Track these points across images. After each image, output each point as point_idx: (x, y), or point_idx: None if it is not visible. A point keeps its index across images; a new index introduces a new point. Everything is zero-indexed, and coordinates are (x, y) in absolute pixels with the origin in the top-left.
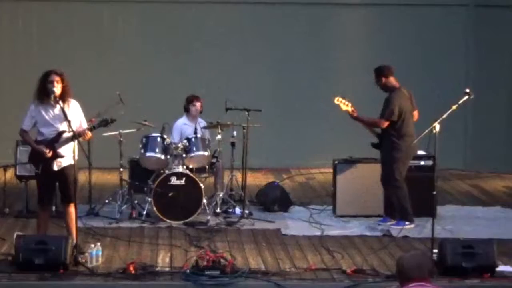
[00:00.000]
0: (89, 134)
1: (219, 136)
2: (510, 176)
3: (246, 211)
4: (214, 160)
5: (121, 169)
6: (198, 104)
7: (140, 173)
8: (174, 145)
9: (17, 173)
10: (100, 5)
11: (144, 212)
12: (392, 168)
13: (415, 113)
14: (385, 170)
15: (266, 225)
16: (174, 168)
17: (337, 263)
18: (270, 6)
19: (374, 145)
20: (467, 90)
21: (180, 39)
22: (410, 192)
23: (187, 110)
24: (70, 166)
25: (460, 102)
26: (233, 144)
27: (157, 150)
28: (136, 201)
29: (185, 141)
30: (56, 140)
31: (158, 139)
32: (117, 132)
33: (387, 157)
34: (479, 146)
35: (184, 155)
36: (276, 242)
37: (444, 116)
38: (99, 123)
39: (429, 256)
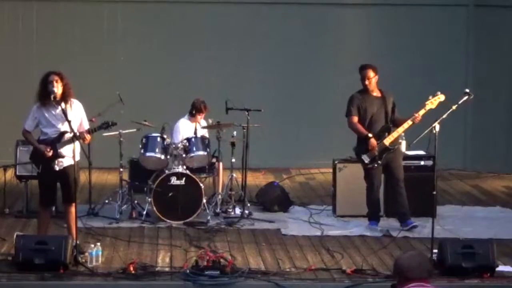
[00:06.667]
0: (89, 137)
1: (219, 136)
2: (510, 176)
3: (246, 211)
4: (214, 160)
5: (121, 169)
6: (204, 115)
7: (140, 173)
8: (174, 145)
9: (17, 173)
10: (100, 5)
11: (144, 212)
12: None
13: None
14: (402, 171)
15: (266, 225)
16: (174, 168)
17: (337, 263)
18: (270, 6)
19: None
20: (467, 90)
21: (180, 39)
22: (410, 192)
23: (192, 115)
24: (71, 166)
25: (460, 102)
26: (233, 144)
27: (157, 150)
28: (136, 201)
29: (185, 141)
30: (57, 140)
31: (158, 139)
32: (117, 132)
33: (401, 157)
34: (479, 146)
35: (184, 155)
36: (276, 242)
37: (444, 116)
38: (100, 126)
39: (428, 256)
